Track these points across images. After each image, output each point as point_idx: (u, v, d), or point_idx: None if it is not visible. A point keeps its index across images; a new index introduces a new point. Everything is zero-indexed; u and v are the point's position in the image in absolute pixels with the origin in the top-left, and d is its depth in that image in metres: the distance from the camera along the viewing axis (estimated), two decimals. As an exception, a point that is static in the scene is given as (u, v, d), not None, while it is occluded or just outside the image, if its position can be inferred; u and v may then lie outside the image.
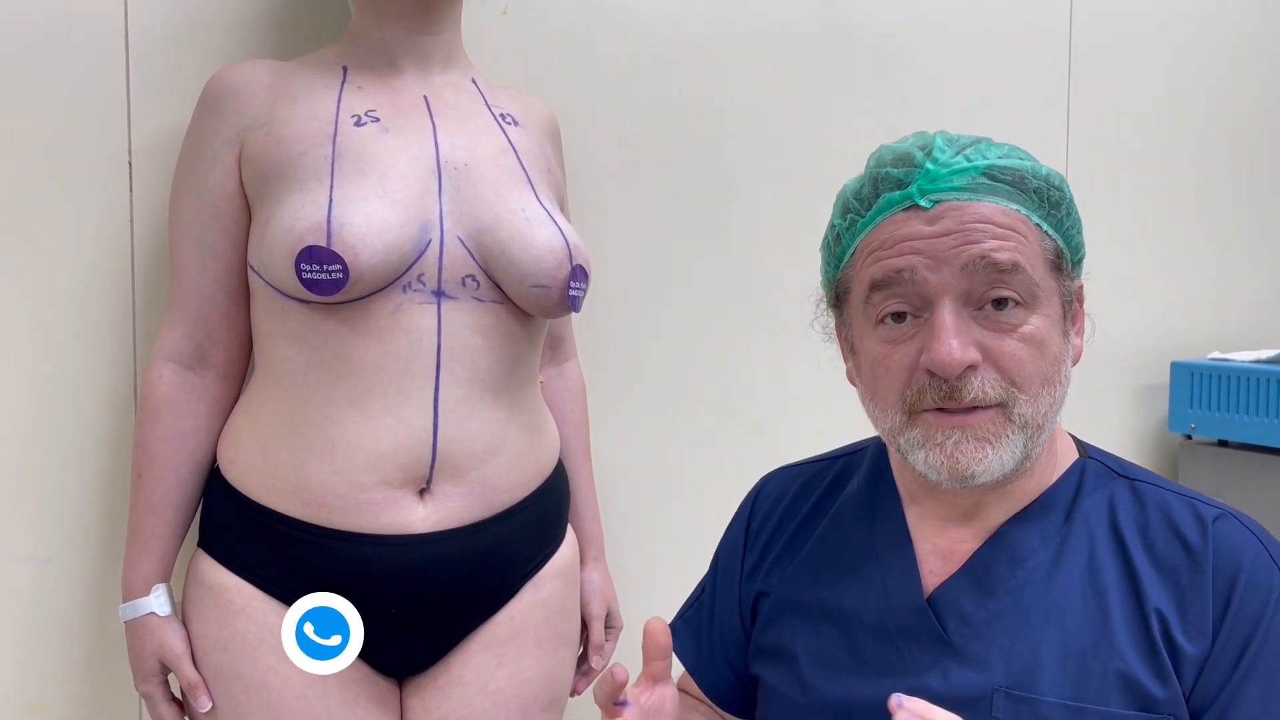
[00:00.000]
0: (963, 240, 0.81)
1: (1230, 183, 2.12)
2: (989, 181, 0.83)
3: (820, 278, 0.95)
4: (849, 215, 0.89)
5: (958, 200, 0.83)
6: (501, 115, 1.17)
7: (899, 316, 0.84)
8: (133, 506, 1.10)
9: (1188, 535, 0.85)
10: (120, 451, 1.20)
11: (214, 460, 1.13)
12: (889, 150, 0.88)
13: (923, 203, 0.83)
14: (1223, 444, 1.93)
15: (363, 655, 1.08)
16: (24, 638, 1.18)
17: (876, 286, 0.84)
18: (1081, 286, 0.91)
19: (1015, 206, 0.84)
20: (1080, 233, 0.89)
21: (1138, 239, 2.00)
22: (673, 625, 1.08)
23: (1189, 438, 1.97)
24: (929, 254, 0.82)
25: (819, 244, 0.95)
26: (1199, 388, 1.91)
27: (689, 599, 1.10)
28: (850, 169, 0.94)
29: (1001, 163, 0.84)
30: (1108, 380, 1.99)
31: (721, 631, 1.03)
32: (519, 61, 1.41)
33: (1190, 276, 2.08)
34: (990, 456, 0.82)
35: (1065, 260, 0.87)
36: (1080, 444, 0.95)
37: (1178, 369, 1.95)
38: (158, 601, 1.08)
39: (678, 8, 1.53)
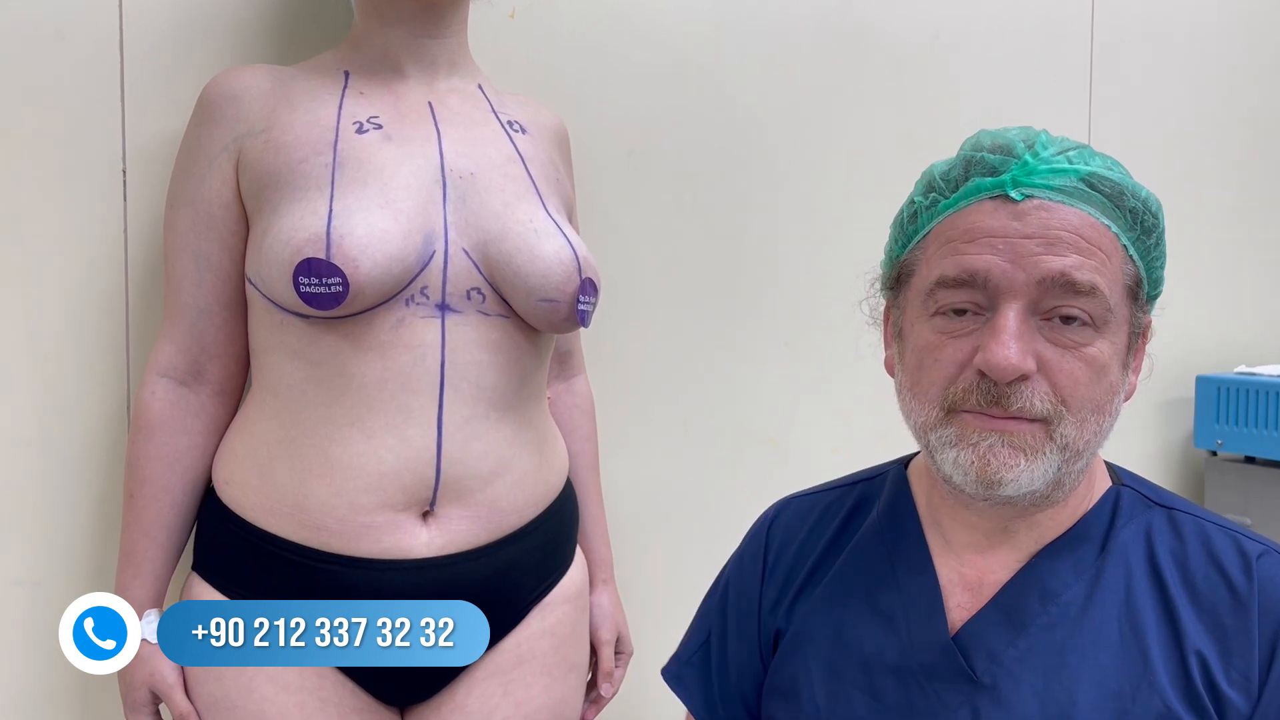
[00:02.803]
0: (1046, 248, 0.77)
1: (1257, 191, 2.08)
2: (1086, 189, 0.80)
3: (883, 255, 0.91)
4: (932, 194, 0.84)
5: (1050, 200, 0.79)
6: (509, 123, 1.13)
7: (960, 311, 0.80)
8: (124, 529, 1.06)
9: (1231, 572, 0.81)
10: (114, 471, 1.16)
11: (209, 480, 1.09)
12: (988, 135, 0.84)
13: (1014, 194, 0.79)
14: (1249, 460, 1.88)
15: (364, 684, 1.04)
16: (13, 663, 1.14)
17: (945, 283, 0.80)
18: (1150, 323, 0.86)
19: (1107, 222, 0.80)
20: (1163, 267, 0.85)
21: (1162, 249, 1.95)
22: (676, 671, 1.02)
23: (1214, 454, 1.93)
24: (1008, 255, 0.78)
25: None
26: (1225, 402, 1.86)
27: (690, 642, 1.03)
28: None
29: (1103, 172, 0.81)
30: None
31: (737, 673, 0.98)
32: (527, 66, 1.37)
33: (1216, 288, 2.03)
34: (1023, 467, 0.77)
35: (1143, 291, 0.83)
36: (1114, 470, 0.90)
37: (1203, 383, 1.90)
38: (149, 628, 1.04)
39: (691, 12, 1.49)
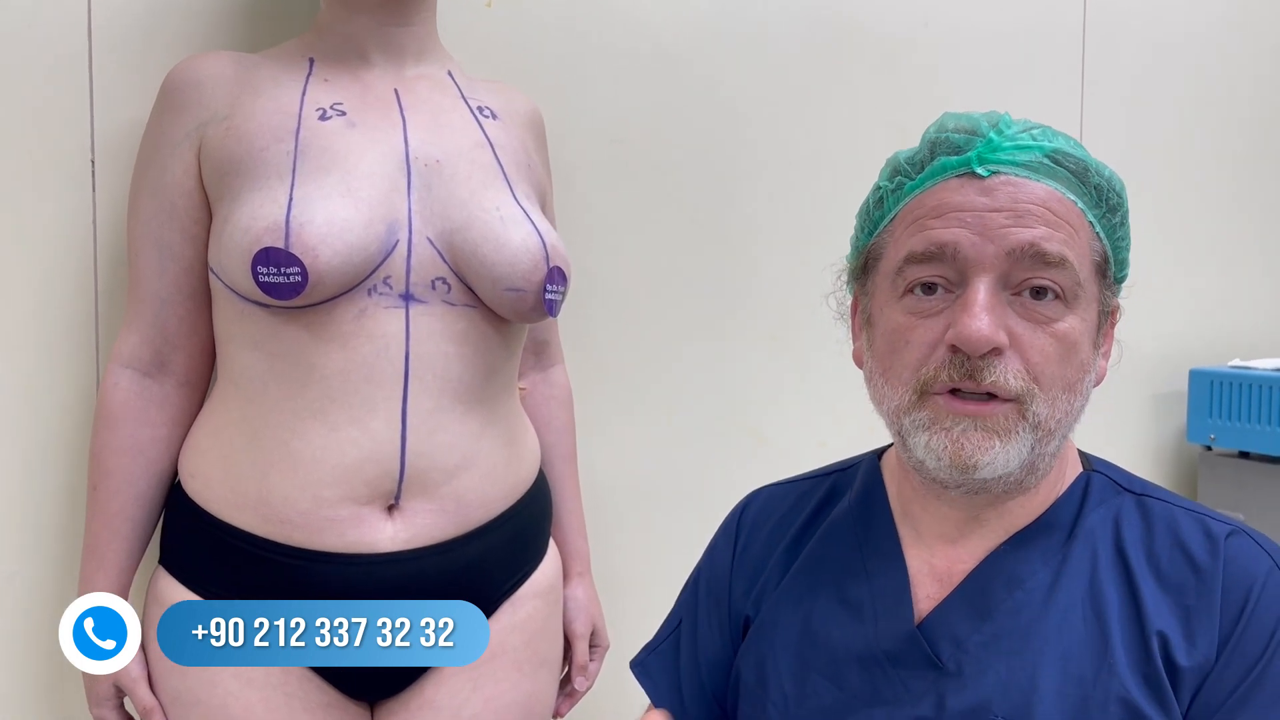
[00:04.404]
0: (1014, 220, 0.77)
1: (1252, 184, 2.05)
2: (1051, 164, 0.80)
3: (849, 247, 0.90)
4: (897, 178, 0.84)
5: (1016, 176, 0.79)
6: (479, 108, 1.12)
7: (929, 288, 0.80)
8: (88, 521, 1.05)
9: (1196, 554, 0.80)
10: (82, 462, 1.14)
11: (175, 473, 1.08)
12: (952, 118, 0.84)
13: (980, 171, 0.79)
14: (1244, 455, 1.86)
15: (332, 679, 1.03)
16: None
17: (914, 259, 0.80)
18: (1119, 308, 0.86)
19: (1073, 197, 0.80)
20: (1128, 249, 0.85)
21: (1155, 241, 1.93)
22: (643, 660, 1.02)
23: (1208, 449, 1.90)
24: (977, 228, 0.78)
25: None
26: (1219, 397, 1.84)
27: (661, 633, 1.03)
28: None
29: (1067, 149, 0.81)
30: (1123, 388, 1.92)
31: (708, 664, 0.97)
32: (505, 55, 1.36)
33: (1210, 281, 2.01)
34: (997, 449, 0.77)
35: (1110, 270, 0.83)
36: (1085, 457, 0.90)
37: (1197, 377, 1.88)
38: (114, 621, 1.03)
39: (675, 0, 1.47)
